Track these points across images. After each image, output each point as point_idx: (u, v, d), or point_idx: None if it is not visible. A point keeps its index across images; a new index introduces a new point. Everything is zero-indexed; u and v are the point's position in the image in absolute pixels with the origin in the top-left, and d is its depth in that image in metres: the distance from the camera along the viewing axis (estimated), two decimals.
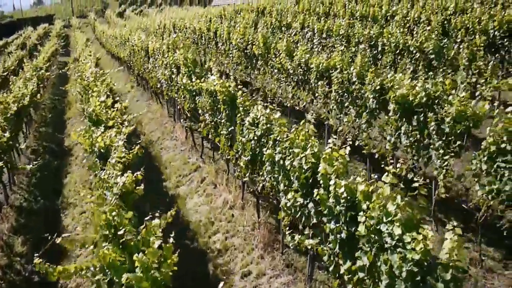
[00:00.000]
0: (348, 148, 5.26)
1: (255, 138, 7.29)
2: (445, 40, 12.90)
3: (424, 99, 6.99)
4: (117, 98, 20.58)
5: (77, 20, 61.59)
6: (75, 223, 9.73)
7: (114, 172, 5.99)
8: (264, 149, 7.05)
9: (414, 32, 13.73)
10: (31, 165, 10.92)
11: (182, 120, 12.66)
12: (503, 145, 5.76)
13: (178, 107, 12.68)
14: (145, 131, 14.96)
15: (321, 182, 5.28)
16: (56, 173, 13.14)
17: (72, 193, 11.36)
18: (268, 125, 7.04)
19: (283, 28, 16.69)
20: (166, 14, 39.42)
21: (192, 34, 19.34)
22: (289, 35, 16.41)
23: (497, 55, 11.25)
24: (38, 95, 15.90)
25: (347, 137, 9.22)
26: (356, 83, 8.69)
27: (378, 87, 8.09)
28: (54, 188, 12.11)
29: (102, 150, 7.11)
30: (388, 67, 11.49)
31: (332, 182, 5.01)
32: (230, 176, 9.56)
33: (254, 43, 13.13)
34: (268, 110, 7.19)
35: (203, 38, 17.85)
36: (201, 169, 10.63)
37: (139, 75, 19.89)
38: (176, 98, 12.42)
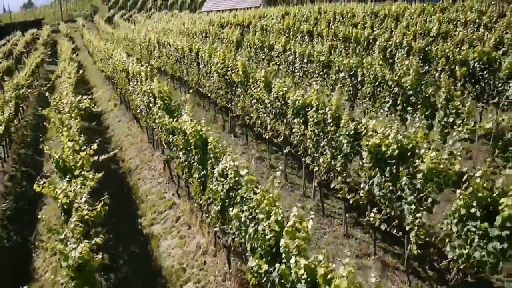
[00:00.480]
0: (311, 222, 5.06)
1: (224, 190, 7.10)
2: (426, 67, 12.80)
3: (396, 151, 6.82)
4: (101, 110, 20.32)
5: (65, 26, 60.93)
6: (45, 267, 9.47)
7: (72, 239, 5.75)
8: (234, 201, 6.89)
9: (396, 58, 13.60)
10: None
11: (160, 150, 12.43)
12: (473, 210, 5.61)
13: (156, 137, 12.45)
14: (125, 157, 14.72)
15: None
16: (32, 204, 12.86)
17: (46, 229, 11.09)
18: (237, 179, 6.83)
19: (265, 49, 16.49)
20: (154, 24, 39.08)
21: (175, 52, 19.09)
22: (270, 57, 16.22)
23: (477, 86, 11.12)
24: (16, 120, 15.58)
25: (323, 178, 9.06)
26: (332, 124, 8.50)
27: (352, 131, 7.90)
28: (28, 221, 11.85)
29: (65, 206, 6.89)
30: (367, 98, 11.33)
31: (292, 261, 4.84)
32: (204, 217, 9.35)
33: (233, 70, 12.92)
34: (237, 163, 6.98)
35: (185, 57, 17.61)
36: (177, 206, 10.41)
37: (121, 94, 19.63)
38: (154, 127, 12.19)
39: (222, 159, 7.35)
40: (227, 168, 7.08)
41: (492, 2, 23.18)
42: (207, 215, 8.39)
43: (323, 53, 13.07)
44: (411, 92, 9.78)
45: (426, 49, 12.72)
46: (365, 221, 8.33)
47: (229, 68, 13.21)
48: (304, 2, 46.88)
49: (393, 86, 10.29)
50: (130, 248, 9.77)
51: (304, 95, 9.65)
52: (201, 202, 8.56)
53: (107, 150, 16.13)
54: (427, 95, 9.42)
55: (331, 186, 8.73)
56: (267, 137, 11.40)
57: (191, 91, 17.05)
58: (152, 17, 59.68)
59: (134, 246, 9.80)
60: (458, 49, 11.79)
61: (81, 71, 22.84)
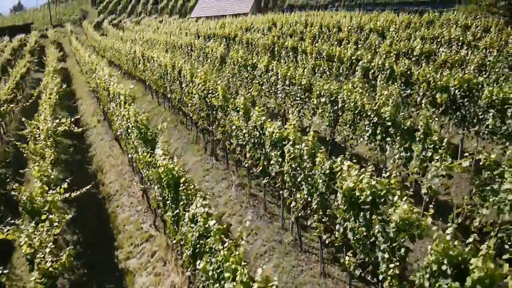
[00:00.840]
0: (276, 282, 4.90)
1: (194, 237, 6.92)
2: (408, 91, 12.71)
3: (370, 197, 6.68)
4: (82, 124, 20.02)
5: (53, 33, 60.40)
6: None
7: None
8: (204, 249, 6.73)
9: (378, 80, 13.49)
10: None
11: (139, 177, 12.22)
12: (444, 267, 5.47)
13: (134, 164, 12.24)
14: (105, 180, 14.48)
15: None
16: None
17: (20, 262, 10.85)
18: (206, 226, 6.67)
19: (248, 68, 16.31)
20: (141, 32, 38.77)
21: (158, 68, 18.87)
22: (253, 76, 16.05)
23: (458, 113, 11.02)
24: None
25: (300, 214, 8.91)
26: (308, 161, 8.34)
27: (327, 171, 7.75)
28: (3, 253, 11.58)
29: (29, 256, 6.68)
30: (348, 126, 11.19)
31: None
32: (178, 255, 9.16)
33: (214, 93, 12.73)
34: (206, 209, 6.82)
35: (168, 74, 17.40)
36: (153, 239, 10.21)
37: (104, 110, 19.37)
38: (132, 153, 11.98)
39: (193, 204, 7.18)
40: (197, 214, 6.92)
41: (478, 16, 23.21)
42: (180, 256, 8.20)
43: (304, 76, 12.92)
44: (389, 123, 9.65)
45: (408, 72, 12.61)
46: (342, 261, 8.18)
47: (210, 91, 13.03)
48: (293, 10, 46.81)
49: (372, 115, 10.15)
50: (104, 284, 9.56)
51: (282, 126, 9.49)
52: (174, 241, 8.39)
53: (88, 171, 15.92)
54: (405, 128, 9.29)
55: (308, 224, 8.59)
56: (246, 165, 11.23)
57: (172, 114, 16.84)
58: (141, 23, 59.33)
59: (109, 282, 9.58)
60: (440, 73, 11.68)
61: (64, 86, 22.51)
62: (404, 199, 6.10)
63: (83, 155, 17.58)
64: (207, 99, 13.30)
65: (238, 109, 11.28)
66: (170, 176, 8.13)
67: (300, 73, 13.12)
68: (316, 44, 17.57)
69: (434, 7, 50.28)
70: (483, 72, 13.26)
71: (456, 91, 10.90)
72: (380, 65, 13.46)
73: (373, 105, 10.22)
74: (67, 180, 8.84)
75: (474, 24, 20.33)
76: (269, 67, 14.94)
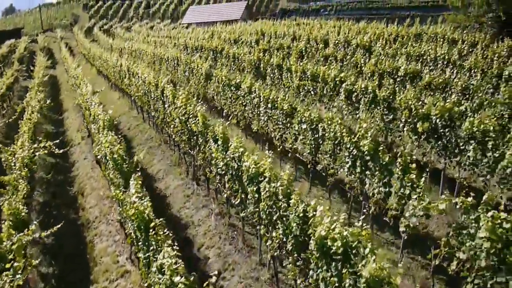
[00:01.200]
0: None
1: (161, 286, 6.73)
2: (391, 116, 12.56)
3: (341, 249, 6.50)
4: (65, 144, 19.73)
5: (43, 39, 59.98)
6: None
7: None
8: None
9: (361, 104, 13.34)
10: None
11: (117, 204, 11.99)
12: None
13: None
14: (86, 204, 14.24)
15: None
16: None
17: None
18: (173, 279, 6.47)
19: (232, 88, 16.11)
20: (130, 41, 38.53)
21: (143, 85, 18.63)
22: (237, 96, 15.86)
23: (439, 142, 10.88)
24: None
25: (275, 253, 8.72)
26: (283, 200, 8.16)
27: (301, 214, 7.57)
28: None
29: None
30: (328, 155, 11.02)
31: None
32: None
33: (194, 118, 12.53)
34: (174, 261, 6.62)
35: (152, 93, 17.17)
36: (128, 275, 10.00)
37: (88, 128, 19.11)
38: (109, 182, 11.76)
39: (162, 251, 6.99)
40: (165, 265, 6.72)
41: (466, 30, 23.13)
42: None
43: (286, 101, 12.74)
44: (368, 157, 9.49)
45: (391, 97, 12.46)
46: None
47: (190, 115, 12.82)
48: (284, 17, 46.72)
49: (351, 148, 9.99)
50: None
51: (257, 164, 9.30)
52: (146, 284, 8.18)
53: (69, 194, 15.67)
54: (384, 163, 9.13)
55: (283, 265, 8.41)
56: (225, 195, 11.04)
57: (156, 133, 16.62)
58: (132, 29, 59.02)
59: None
60: (424, 95, 11.55)
61: (48, 101, 22.21)
62: (373, 258, 5.92)
63: (65, 175, 17.32)
64: (187, 123, 13.10)
65: (217, 137, 11.09)
66: (141, 218, 7.93)
67: (282, 97, 12.95)
68: (301, 63, 17.39)
69: (425, 11, 50.48)
70: (467, 96, 13.14)
71: (437, 120, 10.76)
72: (363, 88, 13.30)
73: (353, 137, 10.05)
74: (35, 222, 8.60)
75: (461, 39, 20.25)
76: (252, 88, 14.75)
